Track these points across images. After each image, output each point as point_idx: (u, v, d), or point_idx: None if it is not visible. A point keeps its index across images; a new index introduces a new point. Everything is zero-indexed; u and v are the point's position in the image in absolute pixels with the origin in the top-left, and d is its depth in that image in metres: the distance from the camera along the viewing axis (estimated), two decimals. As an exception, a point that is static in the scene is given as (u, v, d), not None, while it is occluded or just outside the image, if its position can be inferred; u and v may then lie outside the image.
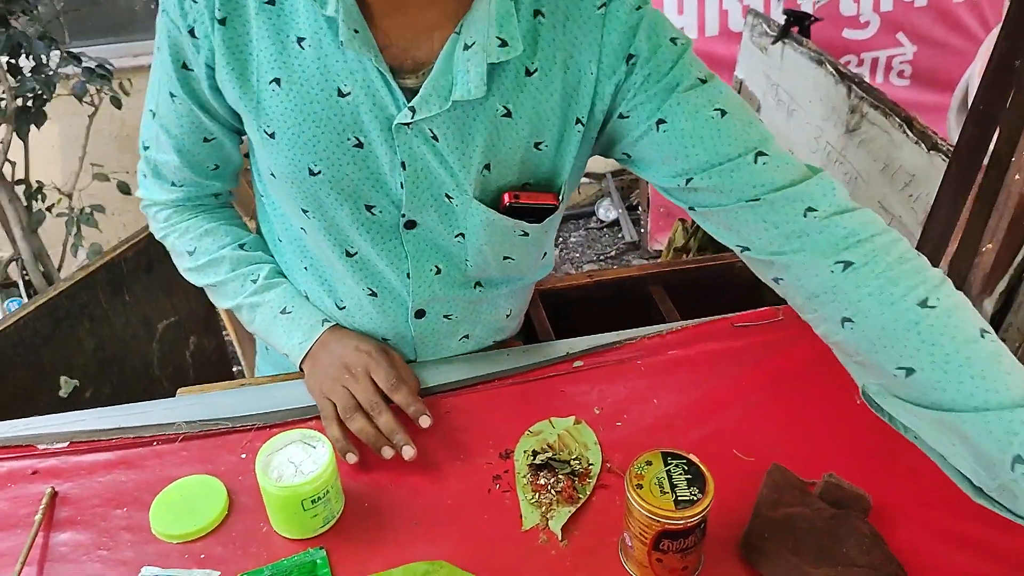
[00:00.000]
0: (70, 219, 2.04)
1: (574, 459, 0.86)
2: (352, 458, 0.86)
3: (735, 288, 1.22)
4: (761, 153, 0.78)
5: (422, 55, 0.77)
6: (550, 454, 0.86)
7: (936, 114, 2.77)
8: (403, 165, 0.80)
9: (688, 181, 0.80)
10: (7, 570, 0.77)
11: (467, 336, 1.00)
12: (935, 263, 1.08)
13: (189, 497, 0.83)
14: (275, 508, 0.78)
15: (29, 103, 1.95)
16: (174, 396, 1.02)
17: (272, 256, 0.99)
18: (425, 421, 0.86)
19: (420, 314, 0.94)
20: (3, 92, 1.87)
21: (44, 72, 1.95)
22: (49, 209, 2.13)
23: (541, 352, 1.01)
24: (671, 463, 0.72)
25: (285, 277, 0.97)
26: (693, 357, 1.00)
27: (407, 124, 0.77)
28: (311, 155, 0.80)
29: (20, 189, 2.05)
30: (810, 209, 0.76)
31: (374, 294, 0.92)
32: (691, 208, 0.85)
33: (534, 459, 0.85)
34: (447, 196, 0.83)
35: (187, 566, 0.77)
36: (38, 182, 2.13)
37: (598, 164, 3.35)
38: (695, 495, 0.69)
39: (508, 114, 0.79)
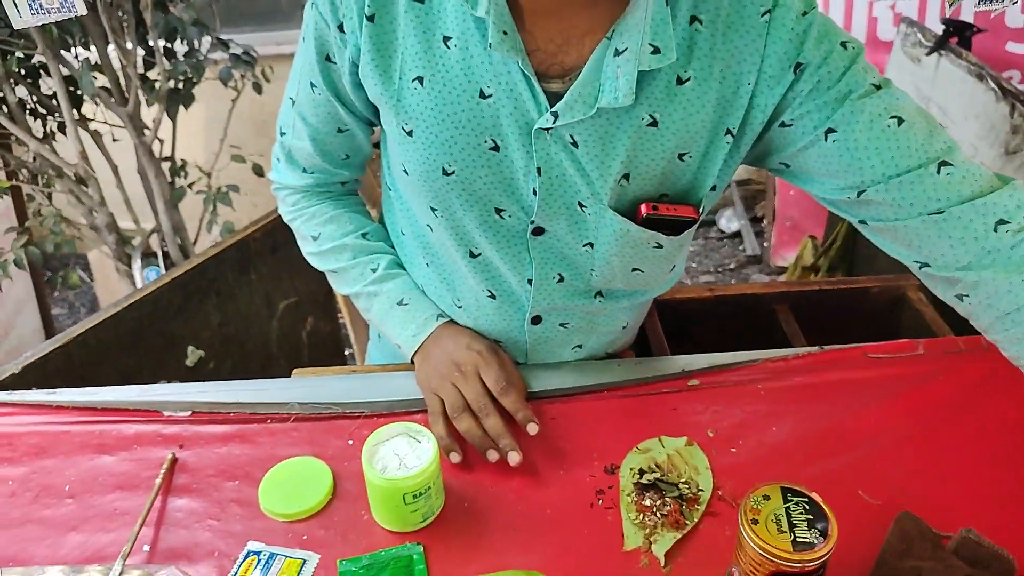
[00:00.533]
0: (207, 197, 2.15)
1: (683, 482, 0.82)
2: (456, 457, 0.85)
3: (868, 315, 1.14)
4: (945, 163, 0.73)
5: (571, 60, 0.75)
6: (658, 474, 0.82)
7: (1109, 139, 2.51)
8: (539, 171, 0.79)
9: (860, 194, 0.76)
10: (127, 528, 0.80)
11: (580, 345, 0.98)
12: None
13: (297, 478, 0.85)
14: (377, 499, 0.79)
15: (180, 85, 2.07)
16: (289, 376, 1.05)
17: (393, 247, 1.00)
18: (532, 428, 0.85)
19: (536, 320, 0.93)
20: (158, 74, 1.99)
21: (196, 57, 2.06)
22: (190, 186, 2.26)
23: (655, 367, 0.97)
24: (791, 500, 0.67)
25: (405, 269, 0.98)
26: (820, 385, 0.93)
27: (547, 129, 0.76)
28: (447, 155, 0.80)
29: (166, 166, 2.18)
30: (1002, 222, 0.71)
31: (493, 296, 0.91)
32: (861, 222, 0.81)
33: (640, 478, 0.82)
34: (580, 204, 0.81)
35: (290, 545, 0.79)
36: (182, 160, 2.26)
37: (723, 172, 3.24)
38: (816, 538, 0.64)
39: (654, 123, 0.76)
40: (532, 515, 0.80)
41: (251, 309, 1.47)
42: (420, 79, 0.77)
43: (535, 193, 0.80)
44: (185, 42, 2.06)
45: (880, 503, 0.79)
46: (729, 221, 3.18)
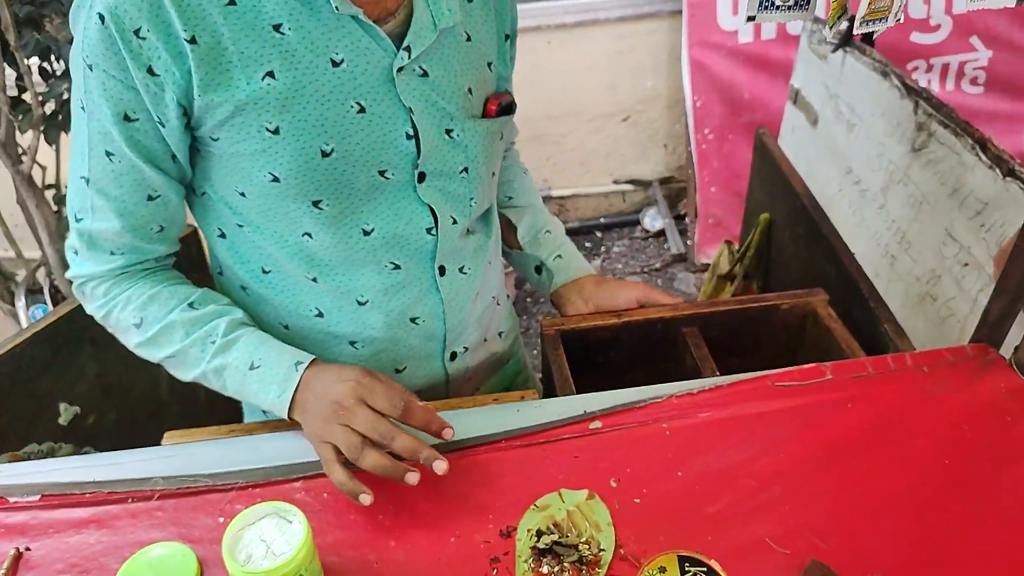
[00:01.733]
0: (96, 226, 2.01)
1: (583, 542, 0.76)
2: (367, 499, 0.76)
3: (778, 333, 1.10)
4: None
5: (391, 2, 0.80)
6: (556, 537, 0.76)
7: (1012, 124, 2.57)
8: (410, 111, 0.83)
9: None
10: (-41, 643, 0.70)
11: (478, 293, 1.00)
12: (1012, 313, 0.94)
13: (156, 568, 0.76)
14: (242, 592, 0.70)
15: (59, 107, 1.92)
16: (161, 440, 0.96)
17: (226, 301, 0.91)
18: (448, 433, 0.81)
19: (442, 272, 0.93)
20: (30, 98, 1.84)
21: (74, 76, 1.91)
22: (79, 214, 2.11)
23: (555, 409, 0.91)
24: (688, 571, 0.62)
25: (246, 323, 0.89)
26: (727, 421, 0.88)
27: (400, 69, 0.81)
28: (321, 136, 0.79)
29: (50, 194, 2.03)
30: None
31: (398, 267, 0.90)
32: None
33: (538, 541, 0.76)
34: (447, 132, 0.87)
35: (145, 652, 0.70)
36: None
37: (644, 171, 3.23)
38: (715, 617, 0.59)
39: (469, 38, 0.87)
40: (420, 593, 0.73)
41: (134, 357, 1.35)
42: (271, 73, 0.76)
43: (409, 137, 0.83)
44: (62, 61, 1.91)
45: (789, 552, 0.74)
46: (653, 220, 3.16)
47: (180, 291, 0.88)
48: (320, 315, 0.91)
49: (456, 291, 0.96)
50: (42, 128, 1.89)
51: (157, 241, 0.87)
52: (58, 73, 1.93)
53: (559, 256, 1.12)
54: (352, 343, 0.93)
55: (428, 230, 0.89)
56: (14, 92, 1.88)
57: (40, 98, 1.84)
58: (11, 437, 1.17)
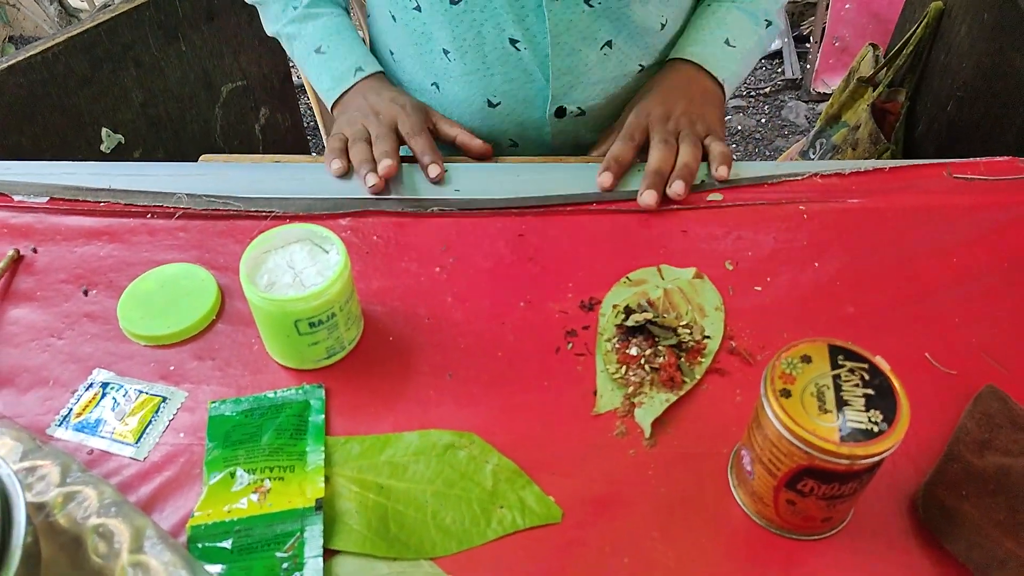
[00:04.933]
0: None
1: (683, 326, 0.60)
2: (337, 165, 0.74)
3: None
4: None
5: None
6: (651, 315, 0.60)
7: None
8: None
9: None
10: (-52, 342, 0.61)
11: (609, 44, 0.78)
12: None
13: (171, 290, 0.64)
14: (263, 325, 0.58)
15: None
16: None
17: None
18: (434, 170, 0.74)
19: None
20: None
21: None
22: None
23: (664, 173, 0.73)
24: (843, 365, 0.46)
25: (334, 1, 0.86)
26: (883, 212, 0.69)
27: None
28: None
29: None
30: None
31: None
32: None
33: (626, 319, 0.60)
34: None
35: (149, 377, 0.59)
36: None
37: (770, -19, 2.82)
38: (877, 424, 0.43)
39: None
40: (475, 358, 0.60)
41: (185, 89, 1.21)
42: None
43: None
44: None
45: (955, 373, 0.58)
46: (770, 39, 2.79)
47: None
48: (418, 8, 0.79)
49: (571, 23, 0.75)
50: None
51: None
52: None
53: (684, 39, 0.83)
54: (446, 52, 0.79)
55: None
56: None
57: None
58: (45, 156, 1.06)
